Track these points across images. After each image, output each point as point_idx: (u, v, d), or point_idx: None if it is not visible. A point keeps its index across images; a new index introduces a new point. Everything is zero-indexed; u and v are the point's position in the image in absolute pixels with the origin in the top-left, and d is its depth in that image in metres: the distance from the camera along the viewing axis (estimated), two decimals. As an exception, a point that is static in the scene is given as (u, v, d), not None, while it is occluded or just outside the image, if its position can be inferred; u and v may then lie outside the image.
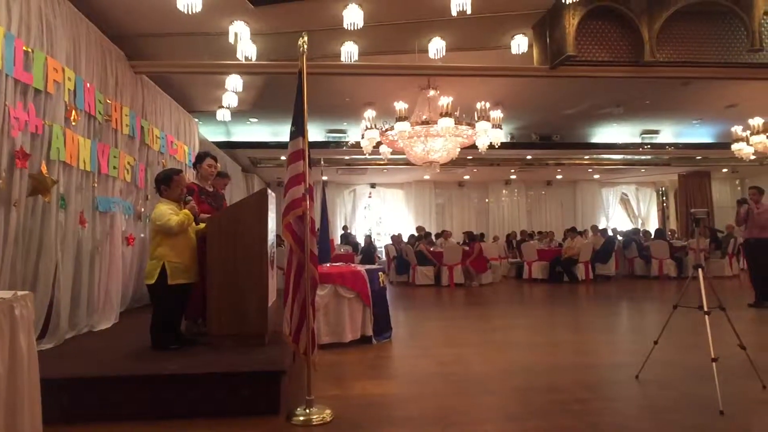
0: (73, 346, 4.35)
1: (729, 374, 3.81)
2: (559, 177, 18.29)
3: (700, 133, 13.10)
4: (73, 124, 4.76)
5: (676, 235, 15.57)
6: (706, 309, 3.68)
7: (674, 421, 3.20)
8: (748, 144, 9.91)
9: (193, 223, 4.25)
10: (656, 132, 13.03)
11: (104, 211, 5.37)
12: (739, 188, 18.58)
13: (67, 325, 4.53)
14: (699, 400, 3.50)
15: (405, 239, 14.07)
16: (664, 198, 20.04)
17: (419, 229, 14.70)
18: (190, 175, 6.84)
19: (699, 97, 9.83)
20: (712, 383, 3.36)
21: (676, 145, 13.64)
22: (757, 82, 7.93)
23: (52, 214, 4.34)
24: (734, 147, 10.24)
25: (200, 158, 5.05)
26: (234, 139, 12.21)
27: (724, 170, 17.11)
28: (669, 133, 13.12)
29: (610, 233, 15.29)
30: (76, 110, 4.80)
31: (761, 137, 9.38)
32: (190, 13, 5.03)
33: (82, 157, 4.85)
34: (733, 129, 10.20)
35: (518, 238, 15.51)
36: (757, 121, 9.40)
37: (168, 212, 4.05)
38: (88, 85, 5.09)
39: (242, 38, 5.83)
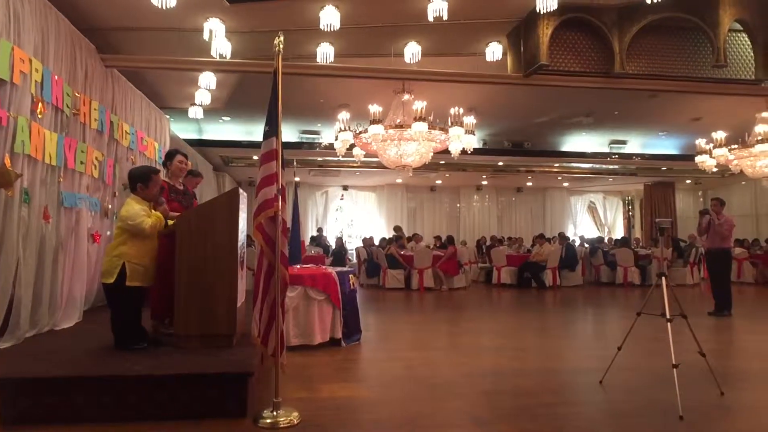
0: (33, 345, 4.21)
1: (689, 380, 3.93)
2: (529, 184, 18.60)
3: (665, 145, 13.49)
4: (40, 116, 4.62)
5: (640, 244, 15.98)
6: (668, 316, 3.79)
7: (636, 425, 3.28)
8: (711, 156, 10.22)
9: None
10: (624, 142, 13.37)
11: (70, 206, 5.23)
12: (701, 199, 19.20)
13: (27, 324, 4.39)
14: (660, 405, 3.60)
15: (376, 242, 14.09)
16: (630, 207, 20.56)
17: (396, 228, 14.67)
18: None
19: (665, 110, 10.13)
20: (673, 389, 3.46)
21: (642, 156, 14.01)
22: (721, 96, 8.22)
23: (14, 209, 4.19)
24: (698, 159, 10.56)
25: (171, 155, 4.96)
26: (206, 137, 12.04)
27: (688, 181, 17.66)
28: (636, 143, 13.48)
29: (578, 241, 15.62)
30: (42, 102, 4.67)
31: (723, 150, 9.69)
32: (164, 8, 4.96)
33: (47, 151, 4.71)
34: (697, 141, 10.53)
35: (488, 243, 15.69)
36: (719, 135, 9.72)
37: (142, 213, 3.95)
38: (56, 77, 4.95)
39: (217, 35, 5.78)
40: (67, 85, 5.18)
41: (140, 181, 4.11)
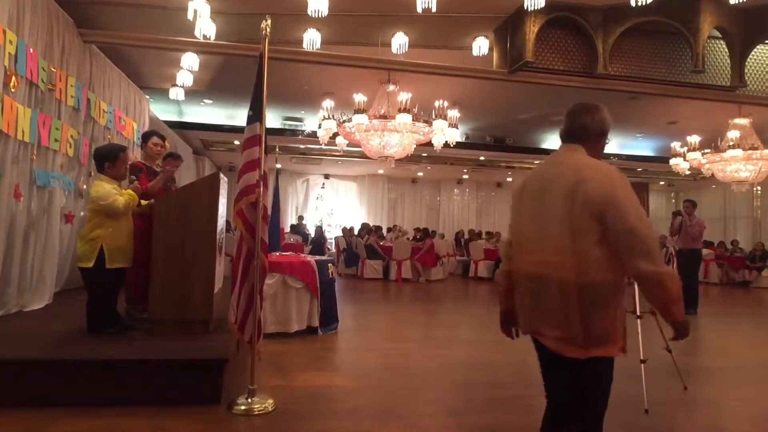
0: (0, 326, 4.12)
1: (655, 375, 4.03)
2: (509, 180, 18.75)
3: (642, 146, 13.72)
4: (12, 90, 4.49)
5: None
6: (638, 313, 3.88)
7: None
8: (684, 160, 10.44)
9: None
10: (603, 142, 13.55)
11: (43, 185, 5.10)
12: (674, 201, 19.62)
13: (-5, 304, 4.29)
14: (627, 398, 3.68)
15: (356, 232, 14.08)
16: (606, 206, 20.89)
17: (364, 226, 14.65)
18: (137, 153, 6.60)
19: (644, 112, 10.29)
20: (640, 383, 3.54)
21: (619, 156, 14.24)
22: (697, 101, 8.38)
23: (-16, 185, 4.08)
24: (672, 162, 10.77)
25: (146, 137, 4.89)
26: (186, 119, 11.82)
27: (662, 183, 18.02)
28: (614, 144, 13.68)
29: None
30: (16, 76, 4.53)
31: (697, 154, 9.90)
32: (147, -16, 4.84)
33: (20, 127, 4.59)
34: (672, 145, 10.73)
35: (466, 236, 15.81)
36: (694, 139, 9.92)
37: (113, 192, 3.87)
38: (32, 50, 4.80)
39: (202, 16, 5.64)
40: (43, 59, 5.04)
41: (107, 159, 4.00)
